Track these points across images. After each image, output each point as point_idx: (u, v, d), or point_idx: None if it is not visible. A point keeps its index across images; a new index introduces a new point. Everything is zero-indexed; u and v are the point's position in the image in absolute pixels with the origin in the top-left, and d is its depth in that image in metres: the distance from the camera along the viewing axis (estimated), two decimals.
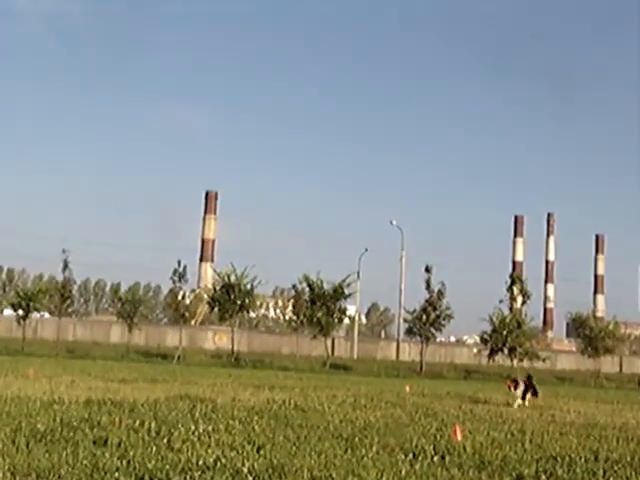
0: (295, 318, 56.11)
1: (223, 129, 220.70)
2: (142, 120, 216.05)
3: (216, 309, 54.68)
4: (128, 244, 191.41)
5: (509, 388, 21.99)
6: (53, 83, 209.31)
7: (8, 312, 69.20)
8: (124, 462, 8.05)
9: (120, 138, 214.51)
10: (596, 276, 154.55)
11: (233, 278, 53.07)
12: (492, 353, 52.59)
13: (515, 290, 54.47)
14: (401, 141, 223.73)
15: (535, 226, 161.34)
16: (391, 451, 10.09)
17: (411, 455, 9.82)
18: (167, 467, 7.78)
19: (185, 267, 53.68)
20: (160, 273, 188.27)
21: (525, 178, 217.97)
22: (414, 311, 53.14)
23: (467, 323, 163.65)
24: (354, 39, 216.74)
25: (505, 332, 51.70)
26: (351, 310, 61.78)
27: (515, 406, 20.75)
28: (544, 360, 53.75)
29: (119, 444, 9.29)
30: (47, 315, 69.18)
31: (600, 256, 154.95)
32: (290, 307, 61.12)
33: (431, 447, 10.48)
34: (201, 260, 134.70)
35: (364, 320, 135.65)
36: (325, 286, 52.87)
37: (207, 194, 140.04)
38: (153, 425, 11.13)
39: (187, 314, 57.09)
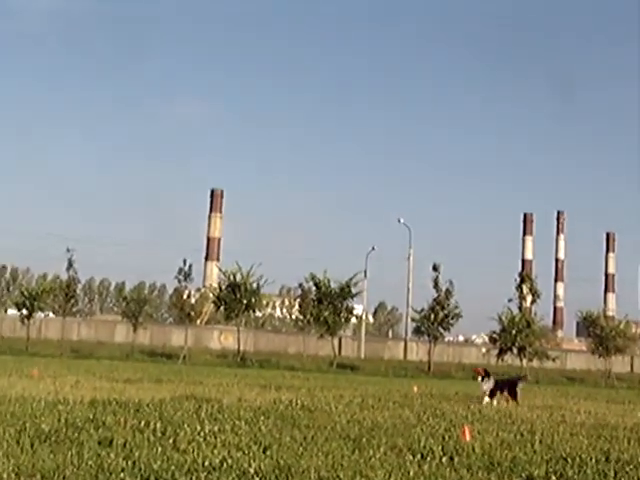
0: (302, 317, 56.02)
1: (229, 127, 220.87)
2: (147, 118, 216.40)
3: (222, 308, 54.59)
4: (133, 243, 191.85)
5: (479, 377, 21.26)
6: (55, 81, 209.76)
7: (12, 312, 69.21)
8: (129, 463, 7.95)
9: (125, 136, 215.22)
10: (607, 275, 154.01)
11: (239, 277, 52.97)
12: (501, 353, 52.41)
13: (524, 289, 54.26)
14: (408, 139, 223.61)
15: (545, 224, 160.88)
16: (399, 452, 9.97)
17: (419, 456, 9.70)
18: (173, 468, 7.67)
19: (190, 266, 53.59)
20: (165, 272, 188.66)
21: (535, 176, 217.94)
22: (422, 310, 52.98)
23: (476, 322, 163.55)
24: (354, 39, 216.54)
25: (514, 331, 51.51)
26: (358, 309, 61.73)
27: (484, 404, 20.02)
28: (554, 360, 53.56)
29: (124, 444, 9.20)
30: (51, 315, 69.21)
31: (611, 254, 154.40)
32: (296, 306, 61.05)
33: (439, 448, 10.36)
34: (206, 259, 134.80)
35: (371, 319, 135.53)
36: (332, 285, 52.74)
37: (212, 192, 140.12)
38: (159, 425, 11.04)
39: (192, 313, 57.00)
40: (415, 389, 25.21)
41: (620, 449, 11.53)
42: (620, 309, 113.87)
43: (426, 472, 8.55)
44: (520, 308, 53.94)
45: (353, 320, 59.28)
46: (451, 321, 52.67)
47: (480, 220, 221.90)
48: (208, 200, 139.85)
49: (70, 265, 53.67)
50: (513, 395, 20.94)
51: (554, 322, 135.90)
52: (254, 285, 53.25)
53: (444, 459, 9.53)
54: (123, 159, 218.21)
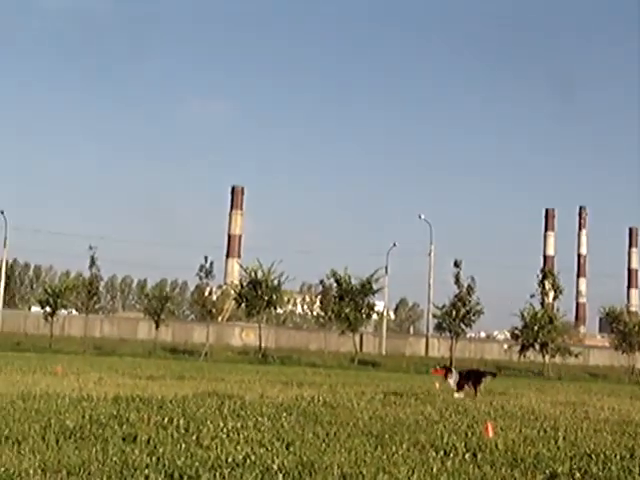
0: (323, 314, 56.13)
1: (249, 124, 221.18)
2: (168, 116, 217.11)
3: (243, 305, 54.82)
4: (153, 240, 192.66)
5: (445, 376, 20.61)
6: (73, 79, 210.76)
7: (36, 309, 69.77)
8: (153, 459, 7.99)
9: (146, 135, 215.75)
10: (629, 270, 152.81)
11: (260, 274, 53.13)
12: (523, 349, 52.27)
13: (547, 285, 54.05)
14: (429, 134, 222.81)
15: (567, 219, 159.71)
16: (422, 448, 9.96)
17: (442, 452, 9.68)
18: (196, 464, 7.71)
19: (212, 263, 53.84)
20: (186, 269, 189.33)
21: (556, 171, 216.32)
22: (443, 306, 52.90)
23: (497, 318, 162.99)
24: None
25: (537, 327, 51.35)
26: (379, 306, 61.74)
27: (456, 396, 19.71)
28: (577, 356, 53.31)
29: (148, 441, 9.25)
30: (74, 312, 69.69)
31: (634, 249, 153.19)
32: (318, 303, 61.16)
33: (462, 444, 10.34)
34: (227, 256, 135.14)
35: (392, 316, 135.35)
36: (353, 281, 52.80)
37: (233, 189, 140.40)
38: (182, 422, 11.09)
39: (214, 310, 57.25)
40: (437, 385, 25.15)
41: None
42: None
43: (449, 468, 8.54)
44: (542, 304, 53.72)
45: (374, 316, 59.37)
46: (472, 317, 52.56)
47: (501, 216, 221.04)
48: (229, 197, 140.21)
49: (93, 263, 54.09)
50: (475, 386, 20.44)
51: (576, 318, 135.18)
52: (275, 282, 53.39)
53: (467, 455, 9.51)
54: (144, 158, 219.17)
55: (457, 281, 52.10)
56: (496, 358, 63.50)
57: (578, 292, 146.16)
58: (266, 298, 52.89)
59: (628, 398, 25.42)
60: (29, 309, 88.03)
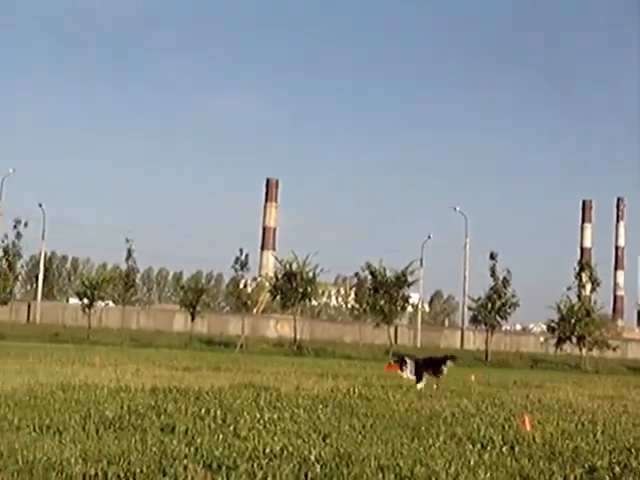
0: (357, 306, 56.13)
1: (284, 116, 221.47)
2: (202, 108, 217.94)
3: (278, 297, 54.96)
4: (189, 233, 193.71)
5: (400, 369, 19.53)
6: (105, 71, 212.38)
7: (74, 301, 70.62)
8: (192, 449, 8.06)
9: (182, 127, 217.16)
10: None
11: (295, 266, 53.26)
12: (560, 342, 51.84)
13: (584, 277, 53.57)
14: (464, 126, 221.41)
15: (604, 211, 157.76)
16: (459, 441, 9.93)
17: (479, 445, 9.64)
18: (234, 455, 7.76)
19: (247, 255, 54.08)
20: (221, 262, 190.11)
21: (594, 162, 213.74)
22: (479, 299, 52.66)
23: (533, 311, 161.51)
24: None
25: (573, 320, 50.90)
26: (414, 298, 61.59)
27: (418, 388, 18.83)
28: (614, 349, 52.79)
29: (186, 431, 9.33)
30: (111, 304, 70.42)
31: None
32: (352, 295, 61.21)
33: (499, 437, 10.29)
34: (262, 248, 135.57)
35: (427, 308, 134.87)
36: (388, 274, 52.72)
37: (268, 182, 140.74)
38: (219, 413, 11.16)
39: (249, 302, 57.53)
40: (472, 378, 25.04)
41: None
42: None
43: (487, 461, 8.50)
44: (579, 297, 53.25)
45: (409, 309, 59.18)
46: (508, 310, 52.25)
47: (538, 207, 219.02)
48: (264, 190, 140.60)
49: (129, 255, 54.61)
50: (436, 374, 19.66)
51: (614, 311, 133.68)
52: (310, 274, 53.51)
53: (504, 448, 9.46)
54: (179, 150, 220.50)
55: (493, 273, 51.83)
56: (532, 351, 63.02)
57: (616, 285, 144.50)
58: (301, 290, 53.02)
59: None
60: (67, 301, 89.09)
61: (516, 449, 9.51)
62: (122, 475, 6.64)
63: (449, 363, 19.94)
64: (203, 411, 11.30)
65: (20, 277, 62.66)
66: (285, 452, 8.11)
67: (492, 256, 51.98)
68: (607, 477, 8.10)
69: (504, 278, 51.69)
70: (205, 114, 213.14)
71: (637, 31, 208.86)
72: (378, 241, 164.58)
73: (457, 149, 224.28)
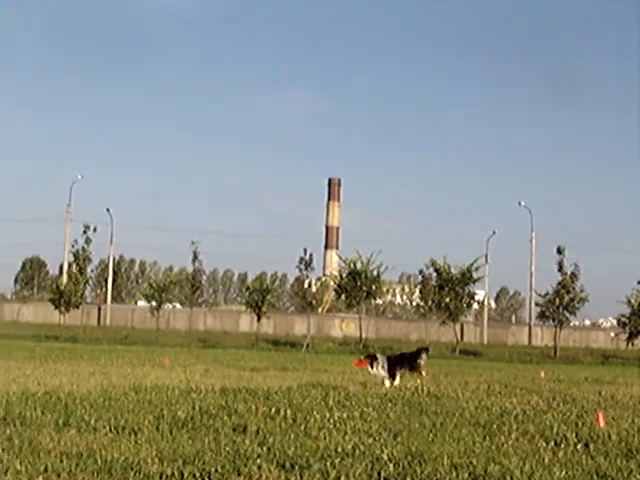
0: (423, 304, 55.83)
1: (345, 115, 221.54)
2: (264, 108, 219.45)
3: (343, 296, 55.04)
4: (253, 233, 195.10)
5: (370, 365, 18.09)
6: (162, 73, 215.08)
7: (142, 303, 71.82)
8: (264, 449, 8.13)
9: (244, 127, 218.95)
10: None
11: (359, 265, 53.26)
12: (631, 337, 50.76)
13: None
14: (528, 117, 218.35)
15: None
16: (531, 438, 9.81)
17: (553, 442, 9.50)
18: (307, 454, 7.80)
19: (311, 255, 54.27)
20: (285, 262, 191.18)
21: None
22: (546, 294, 51.88)
23: (603, 306, 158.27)
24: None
25: None
26: (480, 294, 60.95)
27: (387, 386, 17.63)
28: None
29: (257, 431, 9.41)
30: (179, 306, 71.39)
31: None
32: (417, 293, 60.91)
33: (573, 434, 10.12)
34: (326, 247, 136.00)
35: (493, 305, 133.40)
36: (453, 271, 52.34)
37: (330, 181, 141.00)
38: (289, 412, 11.23)
39: (314, 302, 57.76)
40: (542, 374, 24.72)
41: None
42: None
43: (561, 459, 8.38)
44: None
45: (475, 306, 58.65)
46: (577, 305, 51.39)
47: (603, 200, 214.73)
48: (326, 189, 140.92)
49: (195, 257, 55.31)
50: (414, 369, 18.68)
51: None
52: (374, 272, 53.44)
53: (579, 446, 9.31)
54: (240, 151, 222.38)
55: (560, 268, 51.04)
56: (602, 347, 61.84)
57: None
58: (365, 289, 53.00)
59: None
60: (135, 303, 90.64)
61: (591, 446, 9.35)
62: (198, 475, 6.73)
63: (424, 356, 18.87)
64: (273, 411, 11.38)
65: (90, 281, 64.02)
66: (357, 451, 8.12)
67: (559, 250, 51.19)
68: None
69: (572, 273, 50.86)
70: (267, 113, 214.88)
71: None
72: (442, 238, 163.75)
73: (521, 143, 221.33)
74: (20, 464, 6.90)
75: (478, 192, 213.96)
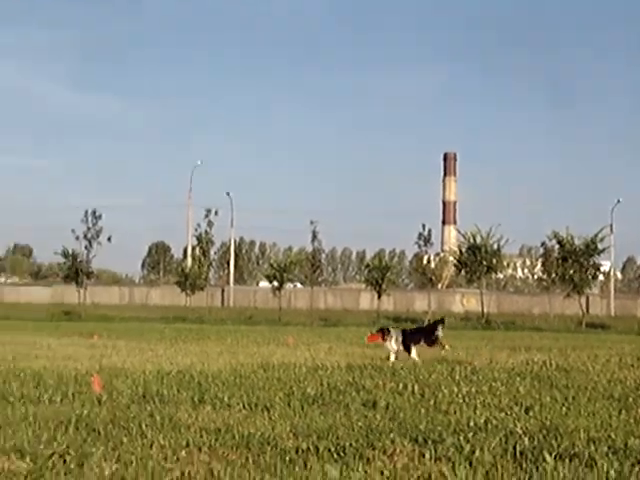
0: (545, 277, 54.65)
1: (459, 89, 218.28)
2: (378, 85, 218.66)
3: (463, 271, 54.52)
4: (369, 211, 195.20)
5: (383, 339, 17.53)
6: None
7: (264, 284, 73.17)
8: (395, 423, 8.17)
9: (359, 105, 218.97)
10: None
11: (479, 239, 52.60)
12: None
13: None
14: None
15: None
16: None
17: None
18: (439, 428, 7.80)
19: (430, 231, 53.95)
20: (403, 238, 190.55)
21: None
22: None
23: None
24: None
25: None
26: (605, 266, 59.18)
27: (392, 359, 16.91)
28: None
29: (387, 406, 9.46)
30: (299, 285, 72.34)
31: None
32: (539, 266, 59.62)
33: None
34: (443, 223, 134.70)
35: (619, 276, 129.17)
36: (576, 242, 50.97)
37: (445, 156, 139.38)
38: (416, 388, 11.23)
39: (434, 278, 57.43)
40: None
41: None
42: None
43: None
44: None
45: (600, 277, 56.99)
46: None
47: None
48: (442, 164, 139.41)
49: (314, 237, 55.91)
50: (432, 342, 17.81)
51: None
52: (494, 246, 52.66)
53: None
54: (358, 128, 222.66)
55: None
56: None
57: None
58: (485, 263, 52.30)
59: None
60: (257, 284, 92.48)
61: None
62: (333, 449, 6.83)
63: (440, 328, 18.14)
64: (400, 386, 11.42)
65: (213, 264, 65.71)
66: (489, 425, 8.05)
67: None
68: None
69: None
70: (381, 89, 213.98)
71: None
72: (563, 208, 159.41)
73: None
74: (163, 439, 7.19)
75: (602, 159, 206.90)
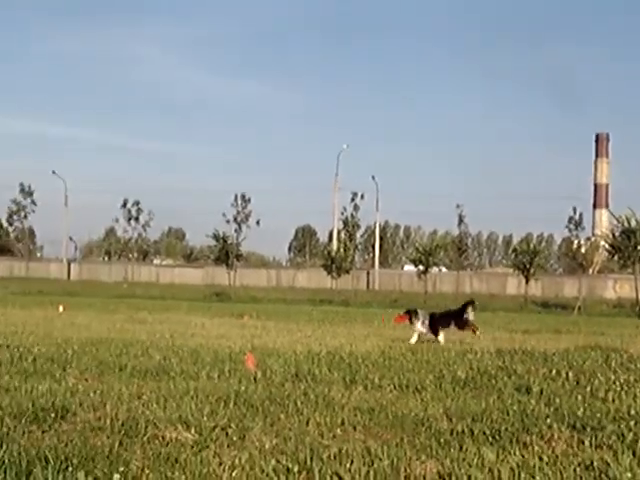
0: None
1: (612, 70, 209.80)
2: (521, 65, 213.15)
3: (616, 257, 52.49)
4: (515, 193, 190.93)
5: (410, 321, 17.28)
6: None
7: (408, 268, 73.08)
8: (551, 409, 8.03)
9: (499, 88, 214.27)
10: None
11: (633, 223, 50.44)
12: None
13: None
14: None
15: None
16: None
17: None
18: (598, 415, 7.60)
19: (581, 214, 52.26)
20: (551, 222, 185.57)
21: None
22: None
23: None
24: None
25: None
26: None
27: (412, 340, 16.71)
28: None
29: (541, 392, 9.29)
30: (444, 269, 71.82)
31: None
32: None
33: None
34: (594, 206, 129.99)
35: None
36: None
37: (597, 137, 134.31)
38: (570, 374, 10.96)
39: (584, 263, 55.59)
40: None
41: None
42: None
43: None
44: None
45: None
46: None
47: None
48: (593, 145, 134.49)
49: (460, 220, 55.36)
50: (462, 325, 17.36)
51: None
52: None
53: None
54: (506, 107, 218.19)
55: None
56: None
57: None
58: None
59: None
60: (402, 268, 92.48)
61: None
62: (488, 432, 6.79)
63: (470, 310, 17.56)
64: (554, 372, 11.17)
65: (358, 247, 66.25)
66: None
67: None
68: None
69: None
70: (522, 69, 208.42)
71: None
72: None
73: None
74: (319, 416, 7.36)
75: None
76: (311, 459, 5.82)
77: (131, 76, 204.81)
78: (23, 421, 6.85)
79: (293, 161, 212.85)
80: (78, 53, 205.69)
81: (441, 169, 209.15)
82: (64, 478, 5.27)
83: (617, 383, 10.27)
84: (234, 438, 6.46)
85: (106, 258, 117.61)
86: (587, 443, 6.53)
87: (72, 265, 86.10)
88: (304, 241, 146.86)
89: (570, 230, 52.74)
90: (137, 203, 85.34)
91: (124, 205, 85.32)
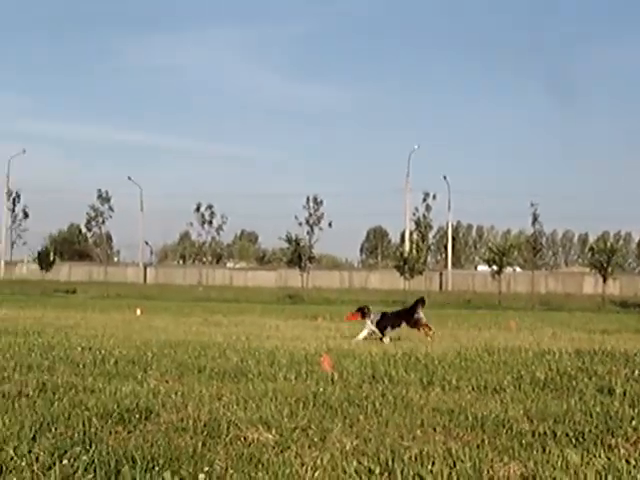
0: None
1: None
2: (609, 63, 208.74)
3: None
4: (592, 191, 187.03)
5: (362, 318, 17.35)
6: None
7: (482, 268, 72.37)
8: (635, 411, 7.86)
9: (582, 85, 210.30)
10: None
11: None
12: None
13: None
14: None
15: None
16: None
17: None
18: None
19: None
20: (630, 219, 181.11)
21: None
22: None
23: None
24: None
25: None
26: None
27: (360, 337, 16.73)
28: None
29: (624, 393, 9.10)
30: (518, 269, 70.87)
31: None
32: None
33: None
34: None
35: None
36: None
37: None
38: None
39: None
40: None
41: None
42: None
43: None
44: None
45: None
46: None
47: None
48: None
49: (535, 219, 54.55)
50: (414, 324, 17.24)
51: None
52: None
53: None
54: (576, 109, 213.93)
55: None
56: None
57: None
58: None
59: None
60: (475, 268, 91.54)
61: None
62: (570, 434, 6.69)
63: (419, 308, 17.43)
64: (636, 373, 10.92)
65: (431, 247, 65.87)
66: None
67: None
68: None
69: None
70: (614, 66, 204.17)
71: None
72: None
73: None
74: (398, 417, 7.36)
75: None
76: (392, 460, 5.82)
77: (205, 83, 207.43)
78: (109, 422, 7.03)
79: (363, 162, 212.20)
80: (150, 62, 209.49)
81: (513, 168, 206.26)
82: (151, 478, 5.38)
83: None
84: (315, 439, 6.50)
85: (181, 262, 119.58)
86: None
87: (148, 269, 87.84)
88: (376, 242, 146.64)
89: None
90: (210, 207, 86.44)
91: (197, 209, 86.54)
